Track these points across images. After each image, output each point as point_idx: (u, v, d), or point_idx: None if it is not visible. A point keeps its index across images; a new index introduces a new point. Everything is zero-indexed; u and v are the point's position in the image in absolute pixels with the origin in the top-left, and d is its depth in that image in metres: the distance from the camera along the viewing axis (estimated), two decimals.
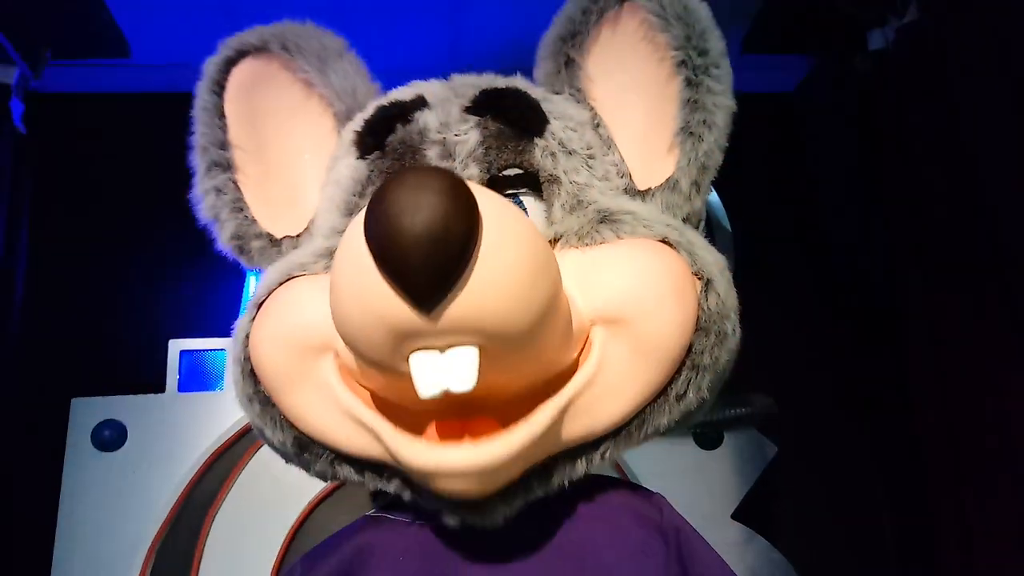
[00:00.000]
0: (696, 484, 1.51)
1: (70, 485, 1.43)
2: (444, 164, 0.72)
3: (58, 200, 1.62)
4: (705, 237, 1.75)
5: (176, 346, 1.53)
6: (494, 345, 0.56)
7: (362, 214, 0.55)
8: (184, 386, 1.52)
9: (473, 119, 0.74)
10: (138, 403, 1.48)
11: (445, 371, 0.55)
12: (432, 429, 0.62)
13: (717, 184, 1.79)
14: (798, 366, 1.68)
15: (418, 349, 0.56)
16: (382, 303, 0.54)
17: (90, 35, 1.57)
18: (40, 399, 1.50)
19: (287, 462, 0.75)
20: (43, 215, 1.59)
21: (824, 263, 1.76)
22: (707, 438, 1.55)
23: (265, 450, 1.43)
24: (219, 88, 0.82)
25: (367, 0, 1.57)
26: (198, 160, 0.81)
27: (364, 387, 0.67)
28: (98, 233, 1.64)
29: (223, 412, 1.46)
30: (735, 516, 1.50)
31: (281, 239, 0.81)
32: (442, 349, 0.56)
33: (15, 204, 1.52)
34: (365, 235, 0.53)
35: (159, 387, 1.51)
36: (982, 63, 1.36)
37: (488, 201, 0.56)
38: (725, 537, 1.48)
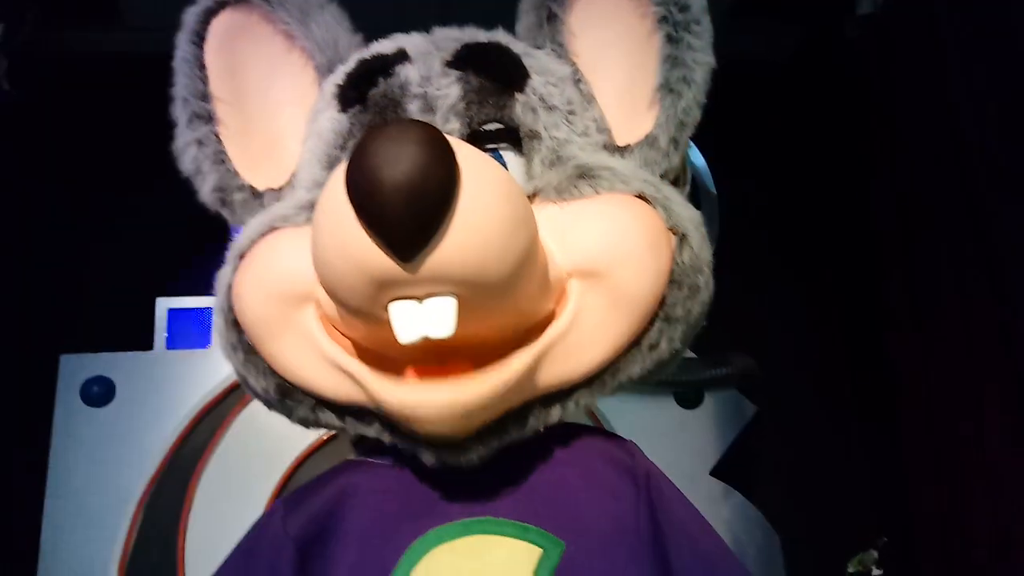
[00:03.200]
0: (677, 442, 1.55)
1: (60, 440, 1.45)
2: (425, 118, 0.72)
3: (46, 158, 1.62)
4: (691, 201, 1.75)
5: (164, 304, 1.55)
6: (472, 294, 0.58)
7: (343, 165, 0.56)
8: (172, 343, 1.54)
9: (454, 73, 0.75)
10: (126, 360, 1.50)
11: (424, 319, 0.57)
12: (411, 373, 0.64)
13: (705, 148, 1.80)
14: (779, 329, 1.70)
15: (397, 298, 0.57)
16: (362, 253, 0.55)
17: None
18: (29, 355, 1.51)
19: (270, 409, 0.77)
20: (30, 173, 1.59)
21: (810, 227, 1.78)
22: (688, 397, 1.58)
23: (252, 407, 1.47)
24: (199, 39, 0.82)
25: None
26: (179, 112, 0.81)
27: (345, 335, 0.69)
28: (86, 191, 1.64)
29: (210, 369, 1.48)
30: (714, 473, 1.54)
31: (263, 191, 0.81)
32: (420, 298, 0.57)
33: (2, 162, 1.52)
34: (346, 186, 0.54)
35: (147, 344, 1.53)
36: (969, 25, 1.37)
37: (467, 154, 0.57)
38: (703, 493, 1.52)
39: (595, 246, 0.67)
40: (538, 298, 0.66)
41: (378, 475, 0.72)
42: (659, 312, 0.69)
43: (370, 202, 0.53)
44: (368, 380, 0.65)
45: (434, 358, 0.63)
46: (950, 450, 1.46)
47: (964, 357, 1.43)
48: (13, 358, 1.52)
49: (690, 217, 0.73)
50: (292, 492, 0.76)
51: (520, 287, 0.62)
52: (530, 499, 0.68)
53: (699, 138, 1.78)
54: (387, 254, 0.54)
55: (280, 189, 0.82)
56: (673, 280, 0.69)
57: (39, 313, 1.58)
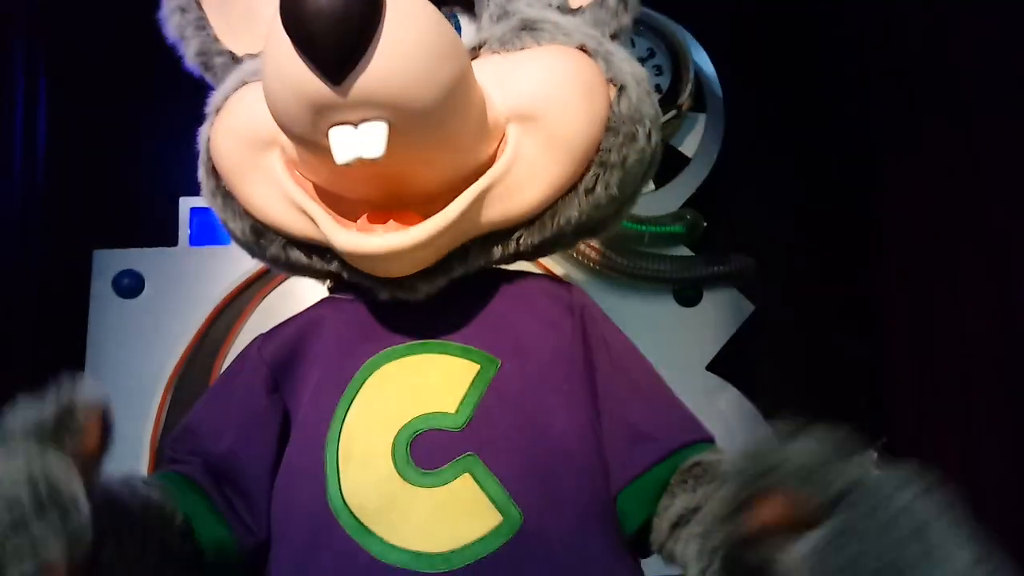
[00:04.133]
0: (675, 337, 1.58)
1: (95, 328, 1.56)
2: None
3: (74, 65, 1.70)
4: (696, 103, 1.72)
5: (187, 203, 1.63)
6: (402, 120, 0.63)
7: None
8: (195, 240, 1.63)
9: None
10: (154, 255, 1.60)
11: (358, 142, 0.63)
12: (363, 218, 0.71)
13: (718, 52, 1.77)
14: (779, 229, 1.72)
15: (335, 123, 0.63)
16: (297, 77, 0.61)
17: None
18: (64, 251, 1.62)
19: (250, 255, 0.85)
20: (60, 81, 1.66)
21: (819, 131, 1.77)
22: (687, 295, 1.62)
23: (270, 297, 1.56)
24: None
25: None
26: None
27: (307, 179, 0.75)
28: (113, 97, 1.72)
29: (231, 263, 1.57)
30: (710, 368, 1.59)
31: (242, 57, 0.88)
32: (355, 123, 0.63)
33: (32, 71, 1.60)
34: (280, 14, 0.60)
35: (173, 241, 1.62)
36: None
37: None
38: (699, 385, 1.56)
39: (531, 91, 0.72)
40: (476, 138, 0.71)
41: (342, 308, 0.80)
42: (595, 157, 0.74)
43: (298, 26, 0.59)
44: (321, 222, 0.72)
45: (384, 207, 0.70)
46: (944, 352, 1.48)
47: (953, 265, 1.44)
48: (51, 254, 1.63)
49: (631, 71, 0.77)
50: (272, 328, 0.85)
51: (453, 119, 0.67)
52: (473, 326, 0.75)
53: (709, 44, 1.76)
54: (319, 77, 0.60)
55: (257, 55, 0.88)
56: (610, 127, 0.74)
57: (73, 213, 1.67)
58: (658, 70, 1.64)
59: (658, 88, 1.62)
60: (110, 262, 1.58)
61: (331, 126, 0.63)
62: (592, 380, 0.74)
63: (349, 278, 0.78)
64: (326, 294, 0.87)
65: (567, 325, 0.76)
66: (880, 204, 1.63)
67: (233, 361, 0.83)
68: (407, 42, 0.61)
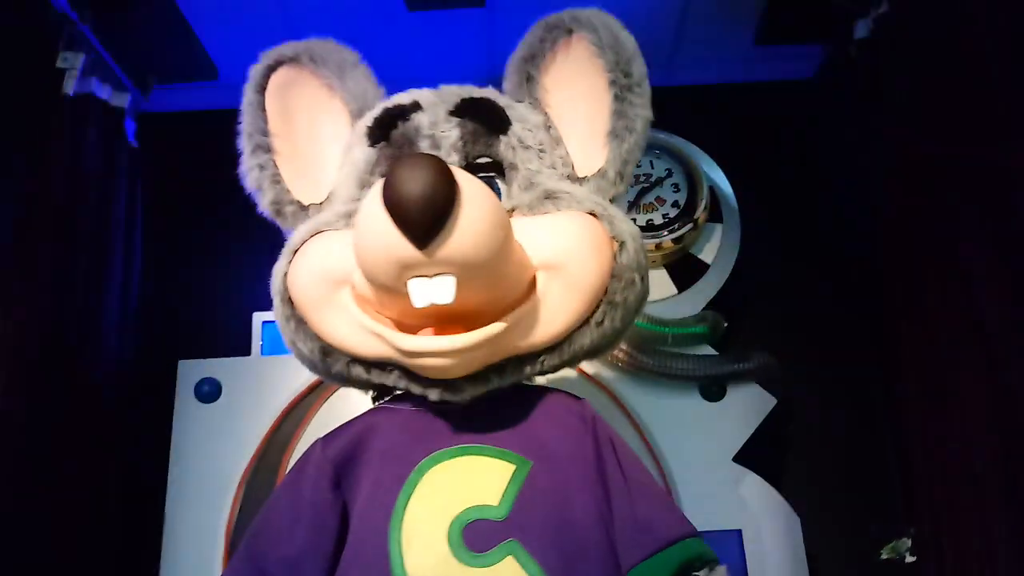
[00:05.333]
0: (701, 431, 1.70)
1: (179, 430, 1.73)
2: (432, 152, 0.97)
3: (165, 201, 1.93)
4: (712, 214, 1.90)
5: (259, 317, 1.82)
6: (466, 273, 0.81)
7: (380, 183, 0.80)
8: (266, 350, 1.82)
9: (455, 120, 1.00)
10: (230, 364, 1.77)
11: (432, 290, 0.81)
12: (426, 330, 0.88)
13: (733, 168, 1.95)
14: (797, 329, 1.84)
15: (414, 276, 0.81)
16: (392, 242, 0.79)
17: (185, 62, 1.89)
18: (153, 361, 1.82)
19: (311, 370, 1.02)
20: (154, 213, 1.90)
21: (828, 234, 1.90)
22: (712, 391, 1.73)
23: (331, 401, 1.73)
24: (261, 89, 1.09)
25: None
26: (245, 143, 1.09)
27: (372, 309, 0.93)
28: (197, 226, 1.96)
29: (298, 372, 1.72)
30: (736, 459, 1.69)
31: (308, 205, 1.08)
32: (431, 276, 0.81)
33: (132, 205, 1.83)
34: (382, 197, 0.79)
35: (246, 351, 1.81)
36: (945, 53, 1.49)
37: (464, 178, 0.81)
38: (726, 476, 1.66)
39: (555, 246, 0.91)
40: (514, 282, 0.89)
41: (395, 415, 0.97)
42: (604, 298, 0.92)
43: (396, 206, 0.77)
44: (390, 334, 0.89)
45: (438, 328, 0.88)
46: (965, 440, 1.55)
47: (970, 353, 1.52)
48: (140, 364, 1.83)
49: (629, 231, 0.96)
50: (329, 432, 1.01)
51: (499, 271, 0.85)
52: (508, 432, 0.92)
53: (724, 162, 1.93)
54: (410, 244, 0.79)
55: (321, 204, 1.08)
56: (614, 275, 0.92)
57: (161, 327, 1.88)
58: (676, 187, 1.82)
59: (676, 204, 1.80)
60: (192, 371, 1.76)
61: (411, 277, 0.81)
62: (604, 478, 0.89)
63: (406, 386, 0.94)
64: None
65: (583, 433, 0.92)
66: (891, 299, 1.73)
67: (298, 461, 0.99)
68: (475, 219, 0.80)
